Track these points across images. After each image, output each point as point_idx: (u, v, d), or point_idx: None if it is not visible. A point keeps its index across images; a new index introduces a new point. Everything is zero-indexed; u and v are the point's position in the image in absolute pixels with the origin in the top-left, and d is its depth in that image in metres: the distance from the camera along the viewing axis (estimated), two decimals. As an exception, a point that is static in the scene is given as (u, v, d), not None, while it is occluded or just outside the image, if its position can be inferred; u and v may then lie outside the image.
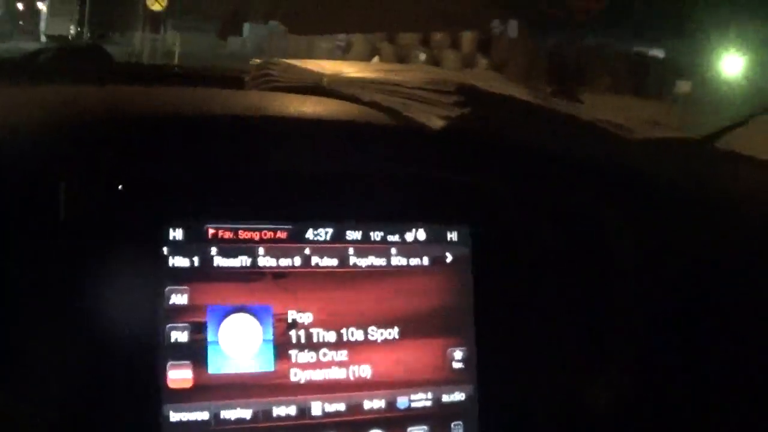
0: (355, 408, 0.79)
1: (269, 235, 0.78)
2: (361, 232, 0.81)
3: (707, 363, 0.87)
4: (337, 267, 0.80)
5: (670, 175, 0.94)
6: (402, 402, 0.81)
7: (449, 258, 0.83)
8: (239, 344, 0.77)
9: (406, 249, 0.82)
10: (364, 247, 0.81)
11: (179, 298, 0.75)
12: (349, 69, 0.95)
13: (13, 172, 0.72)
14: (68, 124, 0.77)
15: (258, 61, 1.03)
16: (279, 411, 0.77)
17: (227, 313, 0.77)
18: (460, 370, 0.83)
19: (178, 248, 0.76)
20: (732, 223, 0.95)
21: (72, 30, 11.38)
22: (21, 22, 15.30)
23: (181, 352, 0.75)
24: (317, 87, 0.92)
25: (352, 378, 0.79)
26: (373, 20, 1.08)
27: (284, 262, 0.78)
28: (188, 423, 0.75)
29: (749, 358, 0.88)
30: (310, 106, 0.85)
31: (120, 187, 0.74)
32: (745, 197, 1.00)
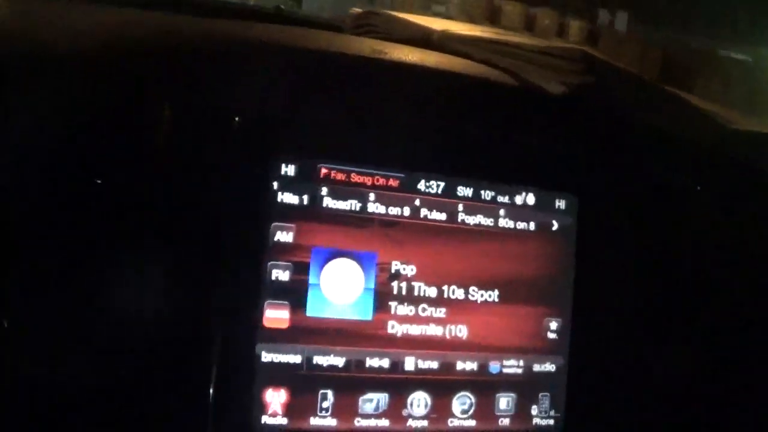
0: (447, 367, 0.78)
1: (381, 181, 0.76)
2: (472, 189, 0.79)
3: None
4: (445, 222, 0.78)
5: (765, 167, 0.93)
6: (494, 366, 0.79)
7: (555, 226, 0.82)
8: (340, 289, 0.75)
9: (514, 212, 0.80)
10: (474, 204, 0.79)
11: (285, 236, 0.73)
12: (460, 27, 0.93)
13: (120, 99, 0.70)
14: (180, 50, 0.75)
15: (358, 10, 1.00)
16: (372, 362, 0.76)
17: (331, 256, 0.75)
18: (553, 340, 0.81)
19: (288, 184, 0.74)
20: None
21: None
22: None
23: (280, 292, 0.73)
24: (426, 41, 0.90)
25: (448, 337, 0.78)
26: None
27: (393, 210, 0.77)
28: (280, 365, 0.73)
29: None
30: (426, 56, 0.83)
31: (236, 119, 0.72)
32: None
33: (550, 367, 0.81)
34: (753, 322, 0.88)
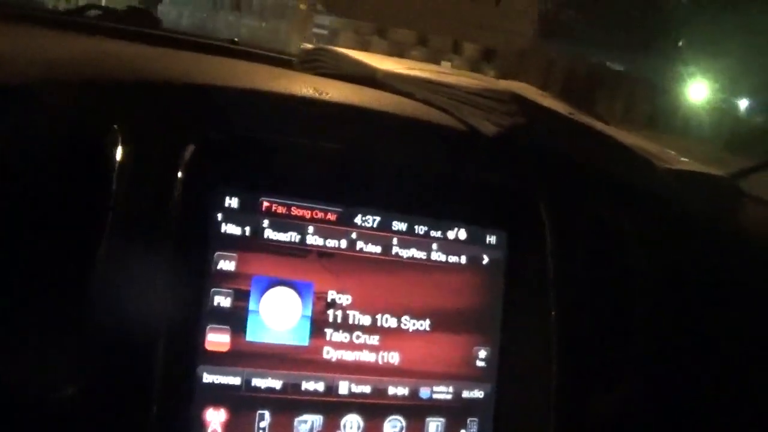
0: (380, 392, 0.82)
1: (320, 215, 0.81)
2: (406, 224, 0.83)
3: (711, 381, 0.91)
4: (380, 254, 0.82)
5: (694, 206, 0.98)
6: (425, 392, 0.83)
7: (485, 260, 0.86)
8: (279, 316, 0.79)
9: (446, 246, 0.85)
10: (408, 238, 0.83)
11: (227, 264, 0.78)
12: (402, 66, 0.98)
13: (73, 125, 0.74)
14: (128, 82, 0.79)
15: (309, 46, 1.05)
16: (308, 385, 0.80)
17: (271, 285, 0.79)
18: (482, 368, 0.86)
19: (231, 216, 0.78)
20: (744, 257, 0.99)
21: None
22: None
23: (222, 317, 0.77)
24: (371, 79, 0.95)
25: (380, 363, 0.82)
26: (412, 17, 1.09)
27: (331, 242, 0.81)
28: (220, 386, 0.77)
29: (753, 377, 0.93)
30: (367, 95, 0.87)
31: (183, 152, 0.76)
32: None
33: (478, 393, 0.85)
34: (677, 353, 0.93)
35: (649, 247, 0.94)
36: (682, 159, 1.09)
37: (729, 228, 1.05)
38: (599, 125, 1.06)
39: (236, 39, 1.15)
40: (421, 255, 0.84)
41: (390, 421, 0.82)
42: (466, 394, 0.85)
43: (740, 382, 0.97)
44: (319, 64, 1.02)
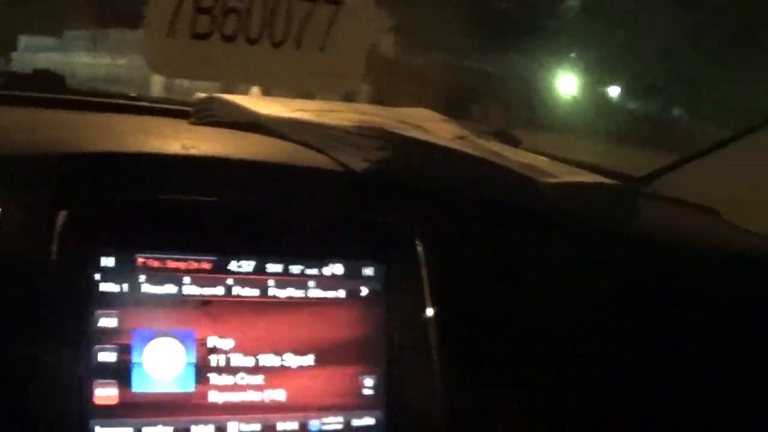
0: (269, 429, 0.85)
1: (194, 265, 0.84)
2: (281, 265, 0.87)
3: (602, 397, 0.94)
4: (257, 297, 0.86)
5: (588, 215, 1.01)
6: (314, 425, 0.87)
7: (364, 292, 0.90)
8: (163, 366, 0.82)
9: (323, 282, 0.88)
10: (284, 279, 0.87)
11: (108, 322, 0.81)
12: (285, 108, 1.01)
13: None
14: (2, 155, 0.83)
15: (202, 95, 1.09)
16: (197, 429, 0.83)
17: (152, 337, 0.82)
18: (370, 396, 0.89)
19: (109, 275, 0.82)
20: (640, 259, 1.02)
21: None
22: None
23: (107, 371, 0.81)
24: (255, 124, 0.99)
25: (267, 401, 0.85)
26: (245, 72, 1.13)
27: (208, 291, 0.84)
28: None
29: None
30: (241, 145, 0.91)
31: (59, 215, 0.80)
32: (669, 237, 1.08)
33: (369, 420, 0.89)
34: (565, 370, 0.96)
35: (539, 263, 0.97)
36: (576, 170, 1.12)
37: (629, 232, 1.07)
38: (493, 146, 1.09)
39: (133, 94, 1.19)
40: (298, 294, 0.87)
41: None
42: (356, 422, 0.88)
43: (636, 401, 1.00)
44: (210, 113, 1.06)
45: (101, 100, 1.12)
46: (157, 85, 1.61)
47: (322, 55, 1.11)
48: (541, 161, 1.09)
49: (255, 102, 1.05)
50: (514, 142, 1.25)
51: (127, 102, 1.15)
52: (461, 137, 1.08)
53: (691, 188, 1.39)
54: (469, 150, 0.99)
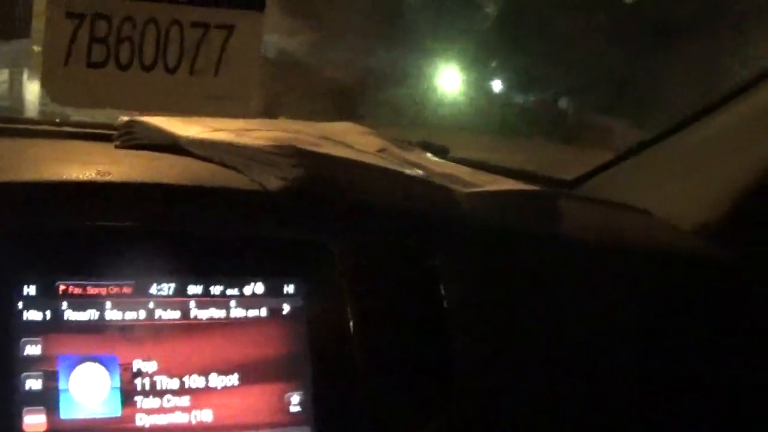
0: None
1: (115, 290, 0.85)
2: (202, 286, 0.88)
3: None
4: (179, 319, 0.87)
5: (508, 222, 1.03)
6: (243, 443, 0.88)
7: (286, 309, 0.91)
8: (88, 391, 0.83)
9: (244, 301, 0.90)
10: (205, 300, 0.88)
11: (33, 349, 0.82)
12: (205, 129, 1.03)
13: None
14: None
15: (125, 118, 1.10)
16: None
17: (77, 363, 0.83)
18: (297, 412, 0.90)
19: (31, 303, 0.83)
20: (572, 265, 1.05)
21: None
22: None
23: (35, 398, 0.81)
24: (176, 146, 1.00)
25: (194, 422, 0.86)
26: (141, 100, 1.14)
27: (129, 315, 0.86)
28: None
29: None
30: (159, 167, 0.92)
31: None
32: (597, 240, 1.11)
33: None
34: (496, 380, 0.98)
35: (461, 273, 0.99)
36: (498, 178, 1.14)
37: (557, 237, 1.10)
38: (414, 157, 1.12)
39: (58, 119, 1.20)
40: (220, 314, 0.89)
41: None
42: None
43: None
44: (132, 136, 1.06)
45: (17, 126, 1.13)
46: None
47: (216, 79, 1.13)
48: (464, 171, 1.12)
49: (176, 123, 1.06)
50: (442, 152, 1.27)
51: (46, 128, 1.15)
52: (383, 149, 1.10)
53: (622, 189, 1.42)
54: (387, 164, 1.01)
